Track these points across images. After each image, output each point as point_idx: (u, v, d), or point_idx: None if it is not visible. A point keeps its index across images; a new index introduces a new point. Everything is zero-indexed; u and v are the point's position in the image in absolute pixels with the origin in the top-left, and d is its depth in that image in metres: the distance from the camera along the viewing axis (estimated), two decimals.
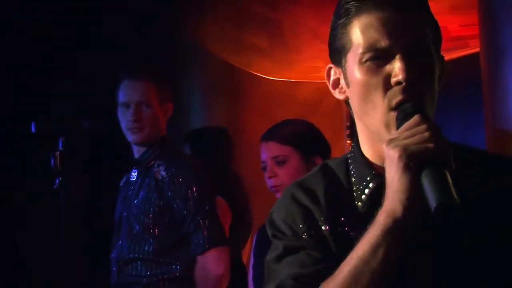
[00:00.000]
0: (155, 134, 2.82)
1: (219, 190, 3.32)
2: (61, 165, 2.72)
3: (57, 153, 2.72)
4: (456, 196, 1.07)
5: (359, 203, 1.28)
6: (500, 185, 1.27)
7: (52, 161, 2.72)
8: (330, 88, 1.33)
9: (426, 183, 1.09)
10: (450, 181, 1.09)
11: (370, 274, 1.13)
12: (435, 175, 1.09)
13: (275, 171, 2.50)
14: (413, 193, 1.11)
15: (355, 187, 1.29)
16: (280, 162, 2.50)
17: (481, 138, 3.37)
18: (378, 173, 1.27)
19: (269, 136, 2.58)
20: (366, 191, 1.28)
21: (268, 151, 2.54)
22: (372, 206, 1.24)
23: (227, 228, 3.23)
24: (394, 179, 1.12)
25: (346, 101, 1.33)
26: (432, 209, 1.08)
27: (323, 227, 1.26)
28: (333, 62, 1.31)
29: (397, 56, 1.21)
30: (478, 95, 3.32)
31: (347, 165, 1.33)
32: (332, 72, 1.32)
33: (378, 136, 1.25)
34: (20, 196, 4.68)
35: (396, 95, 1.21)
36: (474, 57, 4.02)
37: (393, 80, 1.21)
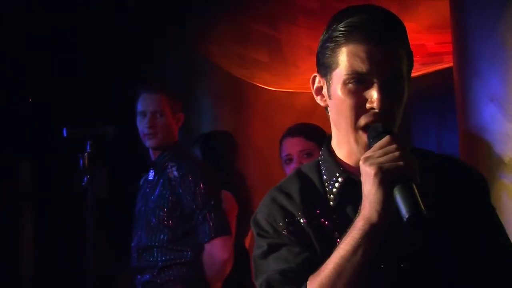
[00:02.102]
0: (168, 140, 2.85)
1: (226, 186, 3.33)
2: (89, 165, 2.73)
3: (85, 154, 2.72)
4: (423, 208, 1.11)
5: (331, 196, 1.31)
6: (457, 187, 1.30)
7: (81, 162, 2.73)
8: (313, 93, 1.36)
9: (398, 197, 1.13)
10: (417, 194, 1.12)
11: (351, 270, 1.16)
12: (405, 190, 1.13)
13: (303, 162, 2.50)
14: (387, 204, 1.14)
15: (326, 183, 1.32)
16: (308, 154, 2.53)
17: (455, 141, 3.37)
18: (345, 169, 1.31)
19: (295, 132, 2.61)
20: (336, 185, 1.30)
21: (296, 146, 2.56)
22: (343, 198, 1.29)
23: (235, 218, 3.24)
24: (370, 192, 1.15)
25: (326, 108, 1.35)
26: (404, 219, 1.11)
27: (301, 220, 1.29)
28: (319, 72, 1.33)
29: (375, 85, 1.24)
30: (452, 103, 3.32)
31: (318, 166, 1.35)
32: (317, 80, 1.34)
33: (349, 144, 1.28)
34: (53, 192, 4.70)
35: (369, 117, 1.24)
36: (448, 70, 4.02)
37: (368, 106, 1.24)
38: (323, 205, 1.30)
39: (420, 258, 1.25)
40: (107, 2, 4.52)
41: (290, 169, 2.55)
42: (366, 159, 1.17)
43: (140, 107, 2.85)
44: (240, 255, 3.34)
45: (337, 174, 1.31)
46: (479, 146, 2.96)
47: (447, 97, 3.93)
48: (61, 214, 4.69)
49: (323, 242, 1.25)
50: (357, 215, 1.18)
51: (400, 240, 1.24)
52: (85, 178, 2.72)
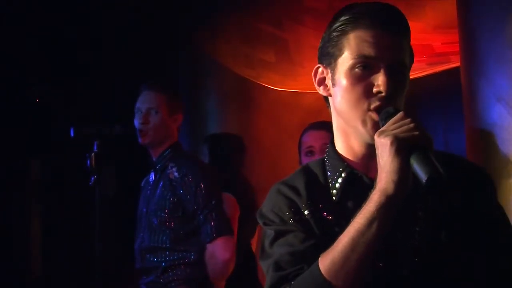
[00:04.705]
0: (162, 139, 2.84)
1: (231, 188, 3.33)
2: (96, 164, 2.73)
3: (93, 154, 2.72)
4: (441, 170, 1.11)
5: (334, 191, 1.31)
6: (464, 185, 1.30)
7: (88, 162, 2.72)
8: (315, 84, 1.37)
9: (416, 163, 1.13)
10: (435, 160, 1.13)
11: (366, 244, 1.15)
12: (423, 156, 1.13)
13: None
14: (404, 173, 1.14)
15: (330, 178, 1.33)
16: None
17: (462, 141, 3.36)
18: (349, 165, 1.31)
19: (319, 126, 2.65)
20: (340, 180, 1.31)
21: (320, 138, 2.60)
22: (345, 192, 1.30)
23: (236, 221, 3.23)
24: (387, 163, 1.15)
25: (326, 98, 1.37)
26: (424, 181, 1.11)
27: (305, 212, 1.30)
28: (322, 63, 1.35)
29: (382, 70, 1.25)
30: (459, 103, 3.31)
31: (323, 163, 1.37)
32: (320, 71, 1.35)
33: (354, 130, 1.29)
34: (61, 192, 4.71)
35: (375, 102, 1.25)
36: (455, 70, 4.00)
37: (375, 90, 1.25)
38: (326, 200, 1.31)
39: (425, 256, 1.24)
40: (108, 2, 4.52)
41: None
42: (381, 132, 1.18)
43: (137, 103, 2.87)
44: (246, 257, 3.33)
45: (341, 169, 1.32)
46: (486, 145, 2.94)
47: (454, 97, 3.91)
48: (69, 214, 4.70)
49: (325, 235, 1.26)
50: (372, 189, 1.18)
51: (405, 238, 1.24)
52: (92, 178, 2.73)
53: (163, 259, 2.76)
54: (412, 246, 1.24)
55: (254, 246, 3.55)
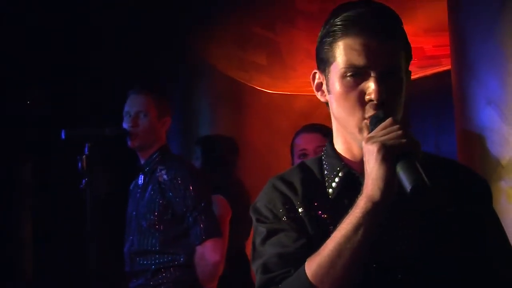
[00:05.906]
0: (151, 142, 2.83)
1: (224, 189, 3.31)
2: (87, 167, 2.71)
3: (84, 157, 2.70)
4: (426, 179, 1.11)
5: (330, 190, 1.30)
6: (460, 190, 1.30)
7: (79, 164, 2.71)
8: (314, 90, 1.36)
9: (402, 171, 1.13)
10: (420, 168, 1.12)
11: (352, 250, 1.15)
12: (409, 165, 1.13)
13: None
14: (390, 180, 1.14)
15: (327, 177, 1.32)
16: None
17: (453, 144, 3.36)
18: (346, 164, 1.31)
19: (312, 129, 2.64)
20: (336, 179, 1.30)
21: (312, 141, 2.59)
22: (341, 192, 1.29)
23: (228, 222, 3.22)
24: (374, 169, 1.15)
25: (326, 103, 1.36)
26: (408, 190, 1.11)
27: (299, 209, 1.28)
28: (318, 69, 1.34)
29: (372, 77, 1.24)
30: (450, 106, 3.31)
31: (321, 161, 1.36)
32: (317, 76, 1.35)
33: (351, 136, 1.28)
34: (53, 193, 4.69)
35: (369, 111, 1.24)
36: (446, 73, 4.01)
37: (367, 98, 1.24)
38: (322, 198, 1.30)
39: (419, 261, 1.23)
40: (107, 2, 4.50)
41: None
42: (369, 138, 1.17)
43: (126, 107, 2.86)
44: (239, 258, 3.32)
45: (338, 169, 1.31)
46: (476, 148, 2.94)
47: (445, 99, 3.92)
48: (60, 216, 4.68)
49: (318, 234, 1.25)
50: (359, 195, 1.17)
51: (395, 241, 1.24)
52: (83, 180, 2.71)
53: (152, 262, 2.74)
54: (403, 249, 1.24)
55: (248, 248, 3.54)
